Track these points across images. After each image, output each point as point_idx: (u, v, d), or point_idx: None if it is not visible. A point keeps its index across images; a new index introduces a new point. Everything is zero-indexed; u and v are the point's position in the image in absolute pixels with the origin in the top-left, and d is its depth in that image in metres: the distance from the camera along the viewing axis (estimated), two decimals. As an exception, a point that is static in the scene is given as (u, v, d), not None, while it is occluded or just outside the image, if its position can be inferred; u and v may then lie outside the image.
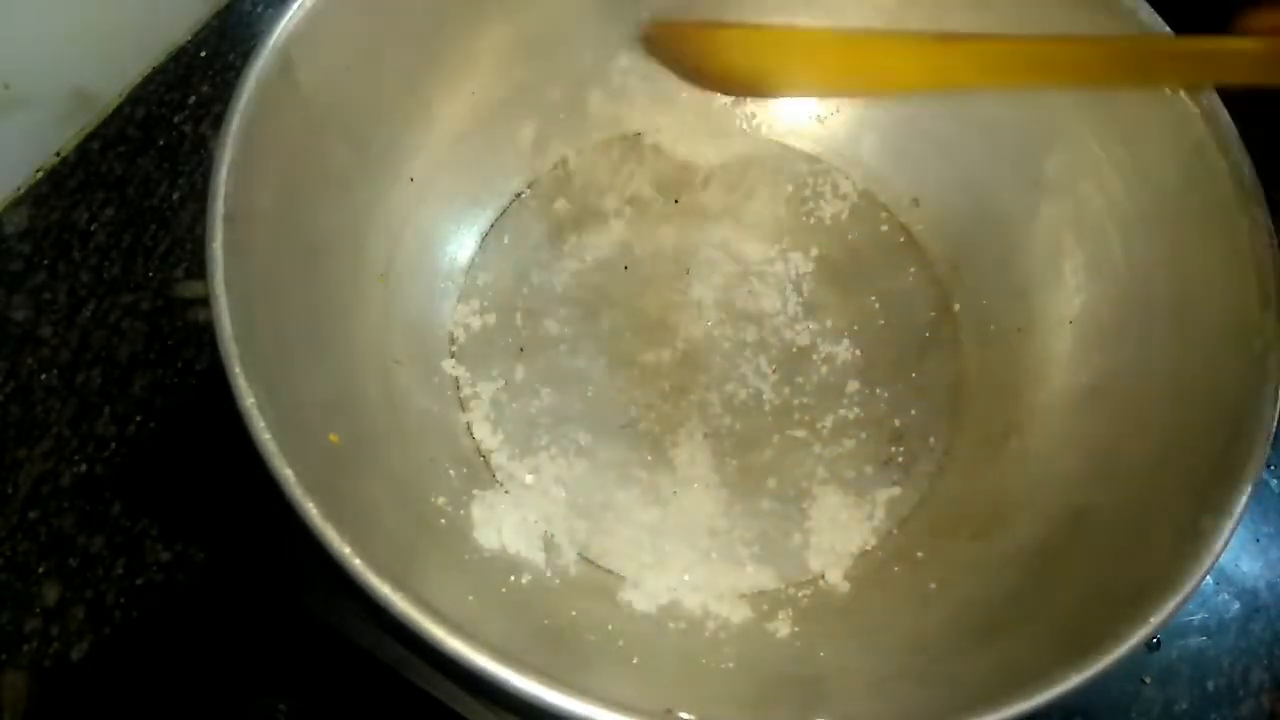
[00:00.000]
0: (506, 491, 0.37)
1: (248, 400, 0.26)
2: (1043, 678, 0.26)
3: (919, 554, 0.37)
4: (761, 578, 0.36)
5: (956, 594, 0.34)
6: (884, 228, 0.43)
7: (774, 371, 0.40)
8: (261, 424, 0.26)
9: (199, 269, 0.42)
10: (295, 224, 0.33)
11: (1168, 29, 0.35)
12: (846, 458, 0.39)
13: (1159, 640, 0.40)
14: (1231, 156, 0.34)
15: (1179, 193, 0.35)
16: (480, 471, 0.37)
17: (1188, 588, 0.28)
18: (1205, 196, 0.34)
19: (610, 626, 0.34)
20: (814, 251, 0.43)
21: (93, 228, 0.43)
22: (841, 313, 0.41)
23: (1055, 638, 0.29)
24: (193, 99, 0.46)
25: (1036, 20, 0.38)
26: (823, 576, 0.37)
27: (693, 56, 0.36)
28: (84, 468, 0.39)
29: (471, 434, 0.38)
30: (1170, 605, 0.28)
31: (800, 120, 0.44)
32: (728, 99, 0.44)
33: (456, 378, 0.39)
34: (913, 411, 0.40)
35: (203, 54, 0.47)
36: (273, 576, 0.36)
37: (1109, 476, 0.34)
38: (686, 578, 0.36)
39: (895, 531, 0.37)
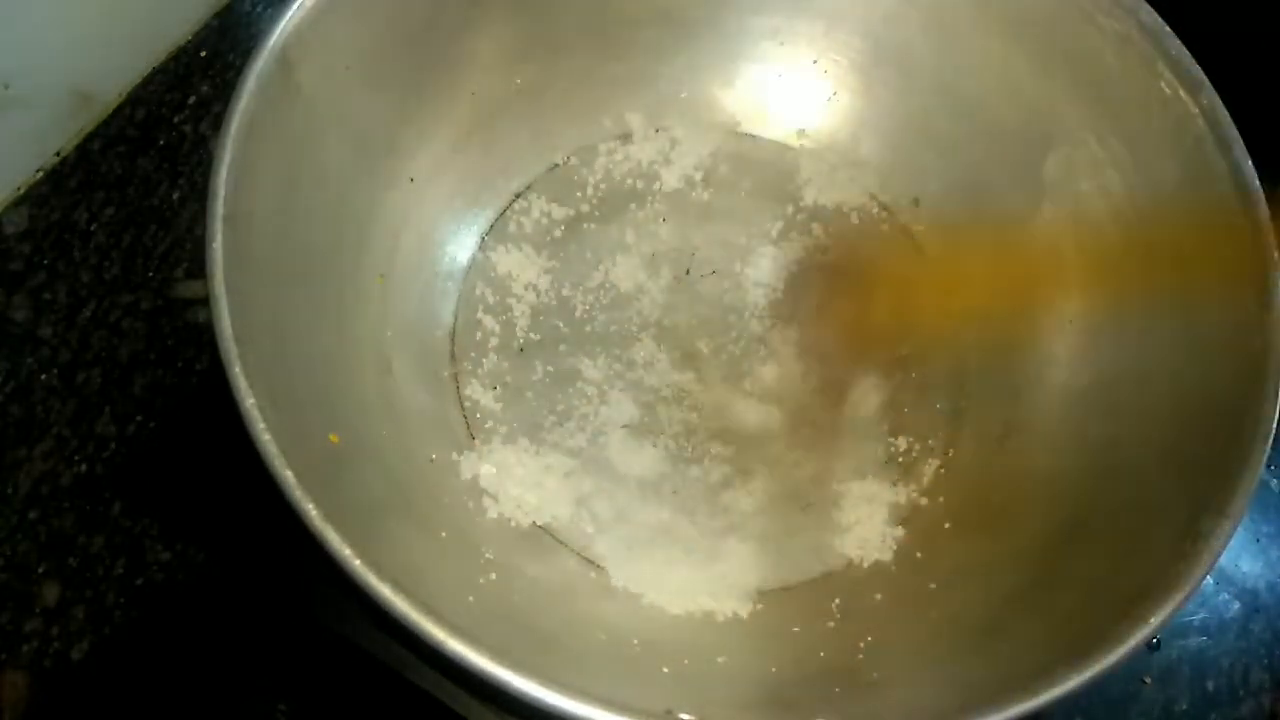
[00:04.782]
0: (508, 492, 0.37)
1: (248, 400, 0.26)
2: (1043, 678, 0.26)
3: (919, 554, 0.37)
4: (762, 578, 0.36)
5: (956, 594, 0.34)
6: (884, 228, 0.43)
7: (774, 371, 0.40)
8: (261, 424, 0.26)
9: (199, 269, 0.42)
10: (295, 224, 0.33)
11: (1167, 28, 0.35)
12: (847, 458, 0.39)
13: (1159, 640, 0.40)
14: (1231, 156, 0.34)
15: (1179, 192, 0.35)
16: (480, 471, 0.37)
17: (1188, 588, 0.28)
18: (1205, 196, 0.34)
19: (611, 627, 0.34)
20: (814, 251, 0.43)
21: (93, 228, 0.43)
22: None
23: (1055, 638, 0.29)
24: (193, 99, 0.46)
25: (1036, 19, 0.38)
26: (824, 576, 0.37)
27: None
28: (84, 468, 0.39)
29: (471, 434, 0.38)
30: (1170, 605, 0.28)
31: (800, 120, 0.44)
32: (728, 100, 0.44)
33: (456, 377, 0.39)
34: (913, 411, 0.40)
35: (203, 54, 0.47)
36: (273, 577, 0.36)
37: (1109, 476, 0.34)
38: (686, 578, 0.36)
39: (896, 531, 0.37)
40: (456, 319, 0.40)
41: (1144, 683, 0.40)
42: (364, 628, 0.34)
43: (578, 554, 0.36)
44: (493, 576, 0.32)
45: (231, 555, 0.38)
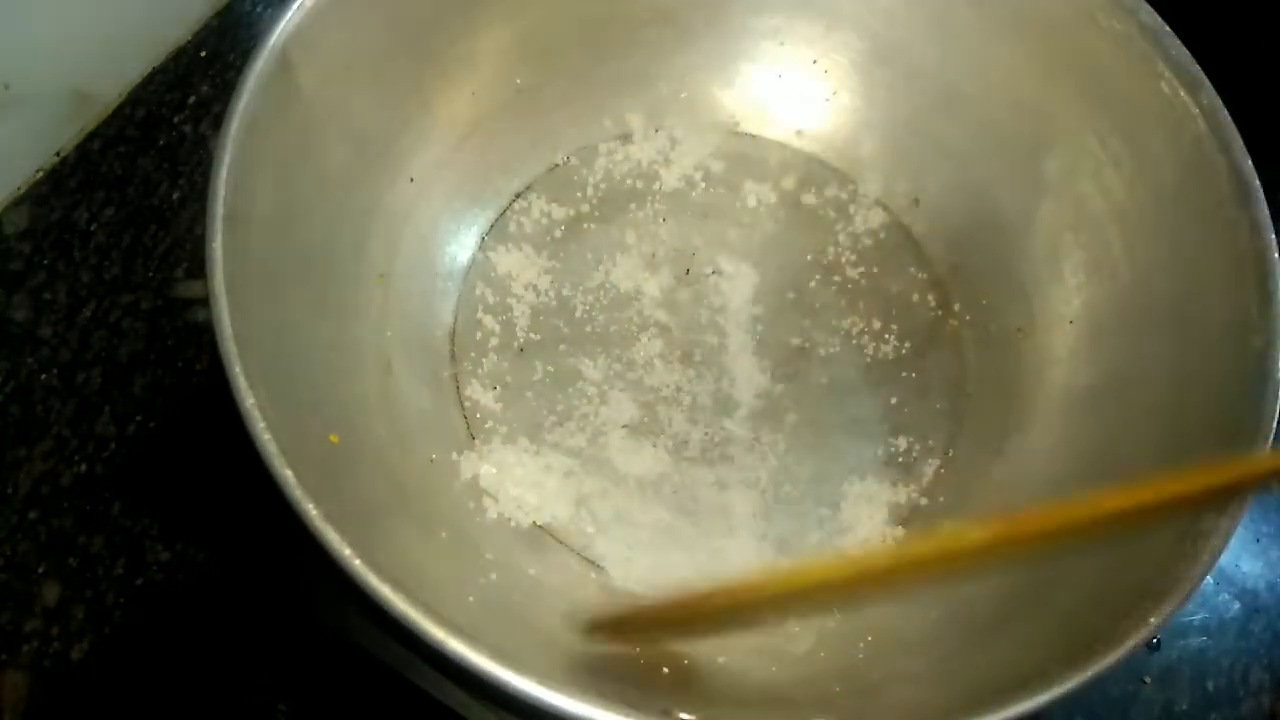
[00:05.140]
0: (507, 492, 0.37)
1: (248, 400, 0.26)
2: (1043, 678, 0.26)
3: (919, 554, 0.37)
4: (761, 578, 0.36)
5: (956, 594, 0.34)
6: (884, 228, 0.43)
7: (774, 371, 0.40)
8: (261, 424, 0.26)
9: (199, 269, 0.42)
10: (295, 224, 0.33)
11: (1167, 28, 0.35)
12: (847, 458, 0.39)
13: (1159, 640, 0.40)
14: (1231, 156, 0.34)
15: (1179, 193, 0.35)
16: (480, 471, 0.37)
17: (1188, 587, 0.28)
18: (1205, 196, 0.34)
19: (610, 626, 0.34)
20: (814, 252, 0.43)
21: (93, 228, 0.43)
22: (841, 313, 0.41)
23: (1055, 638, 0.29)
24: (193, 99, 0.46)
25: (1036, 19, 0.38)
26: (823, 576, 0.37)
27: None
28: (84, 468, 0.39)
29: (471, 434, 0.38)
30: (1170, 605, 0.28)
31: (800, 120, 0.44)
32: (728, 100, 0.44)
33: (456, 378, 0.39)
34: (913, 411, 0.40)
35: (203, 54, 0.47)
36: (273, 577, 0.36)
37: (1109, 477, 0.34)
38: (687, 578, 0.36)
39: (896, 531, 0.37)
40: (456, 319, 0.40)
41: (1144, 683, 0.40)
42: (364, 627, 0.34)
43: (578, 554, 0.36)
44: (493, 576, 0.32)
45: (231, 555, 0.38)
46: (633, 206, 0.43)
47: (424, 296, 0.39)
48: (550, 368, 0.39)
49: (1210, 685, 0.40)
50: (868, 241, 0.43)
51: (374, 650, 0.34)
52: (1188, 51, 0.35)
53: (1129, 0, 0.36)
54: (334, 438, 0.30)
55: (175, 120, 0.46)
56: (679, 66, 0.43)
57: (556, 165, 0.43)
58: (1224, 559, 0.33)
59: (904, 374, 0.40)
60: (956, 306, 0.42)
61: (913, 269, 0.42)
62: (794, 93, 0.44)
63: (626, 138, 0.43)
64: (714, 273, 0.42)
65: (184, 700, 0.36)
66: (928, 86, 0.42)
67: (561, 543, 0.36)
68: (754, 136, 0.44)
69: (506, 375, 0.39)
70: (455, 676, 0.33)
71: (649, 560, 0.36)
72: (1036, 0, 0.38)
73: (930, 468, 0.39)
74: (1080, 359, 0.38)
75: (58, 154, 0.44)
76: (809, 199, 0.43)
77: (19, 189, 0.44)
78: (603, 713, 0.25)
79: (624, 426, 0.39)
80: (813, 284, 0.42)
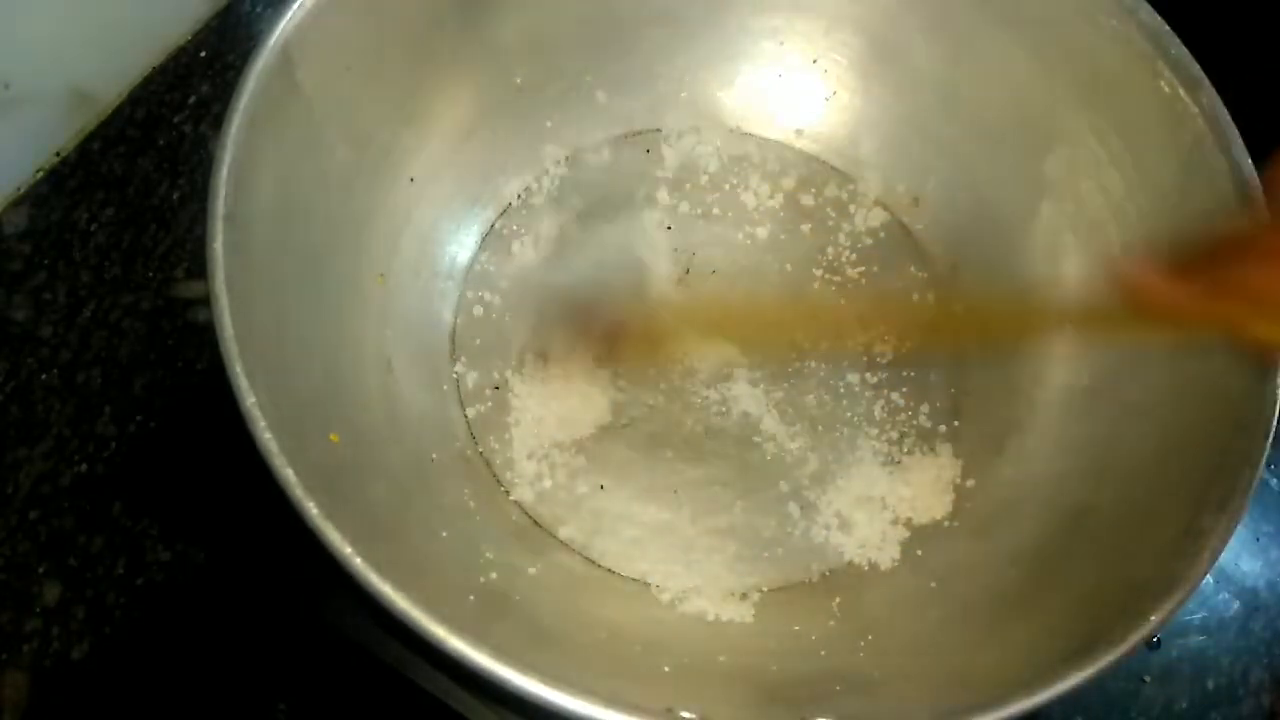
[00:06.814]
0: (507, 491, 0.37)
1: (248, 400, 0.26)
2: (1043, 676, 0.27)
3: (919, 553, 0.37)
4: (762, 578, 0.36)
5: (956, 593, 0.34)
6: (884, 227, 0.43)
7: (774, 372, 0.40)
8: (262, 424, 0.26)
9: (199, 269, 0.42)
10: (295, 224, 0.33)
11: (1167, 27, 0.35)
12: (847, 458, 0.39)
13: (1159, 639, 0.40)
14: (1231, 156, 0.34)
15: (1179, 192, 0.35)
16: (481, 471, 0.37)
17: (1188, 587, 0.28)
18: (1205, 196, 0.34)
19: (612, 626, 0.34)
20: (813, 251, 0.43)
21: (93, 228, 0.43)
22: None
23: (1055, 637, 0.29)
24: (193, 99, 0.46)
25: (1036, 18, 0.38)
26: (824, 576, 0.37)
27: None
28: (84, 468, 0.39)
29: (472, 434, 0.38)
30: (1170, 605, 0.28)
31: (800, 120, 0.44)
32: (728, 100, 0.44)
33: (457, 377, 0.39)
34: (913, 411, 0.40)
35: (203, 54, 0.47)
36: (273, 576, 0.36)
37: (1109, 476, 0.34)
38: (687, 577, 0.36)
39: (896, 531, 0.37)
40: (456, 319, 0.40)
41: (1144, 681, 0.40)
42: (364, 626, 0.34)
43: (578, 554, 0.36)
44: (493, 576, 0.32)
45: (231, 555, 0.38)
46: (632, 206, 0.43)
47: (424, 296, 0.39)
48: (549, 368, 0.39)
49: (1210, 684, 0.40)
50: (868, 241, 0.43)
51: (374, 649, 0.34)
52: (1188, 51, 0.35)
53: (1129, 0, 0.36)
54: (334, 437, 0.30)
55: (175, 120, 0.46)
56: (679, 66, 0.43)
57: (557, 165, 0.43)
58: (1224, 558, 0.33)
59: (904, 374, 0.40)
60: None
61: (913, 268, 0.42)
62: (794, 93, 0.44)
63: (626, 137, 0.43)
64: (714, 272, 0.42)
65: (184, 700, 0.36)
66: (927, 86, 0.42)
67: (562, 543, 0.36)
68: (755, 136, 0.44)
69: (507, 375, 0.39)
70: (456, 675, 0.33)
71: (649, 560, 0.36)
72: (1037, 0, 0.38)
73: (930, 467, 0.39)
74: (1080, 359, 0.38)
75: (58, 154, 0.44)
76: (809, 199, 0.43)
77: (19, 189, 0.44)
78: (605, 710, 0.25)
79: (624, 426, 0.39)
80: (812, 284, 0.42)
